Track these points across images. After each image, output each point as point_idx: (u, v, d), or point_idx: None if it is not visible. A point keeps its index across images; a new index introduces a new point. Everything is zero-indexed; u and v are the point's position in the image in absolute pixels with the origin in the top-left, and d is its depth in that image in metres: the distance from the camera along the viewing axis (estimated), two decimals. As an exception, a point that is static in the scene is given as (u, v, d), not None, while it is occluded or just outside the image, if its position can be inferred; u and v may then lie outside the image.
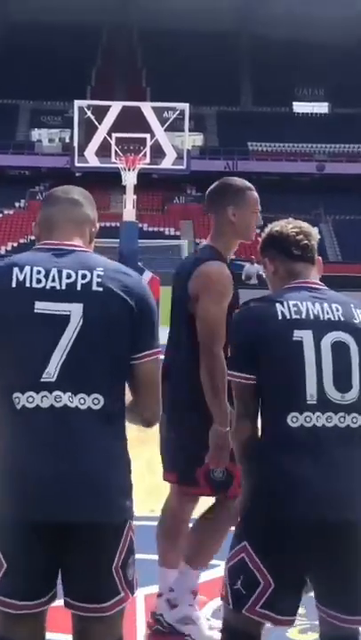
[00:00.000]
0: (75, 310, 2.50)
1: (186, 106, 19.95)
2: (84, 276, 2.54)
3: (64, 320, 2.50)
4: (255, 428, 2.86)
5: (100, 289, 2.55)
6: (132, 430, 9.46)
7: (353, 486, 2.68)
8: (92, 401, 2.56)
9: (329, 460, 2.67)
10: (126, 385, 2.75)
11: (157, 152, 19.68)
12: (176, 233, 54.65)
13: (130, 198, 19.49)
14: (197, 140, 61.81)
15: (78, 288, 2.52)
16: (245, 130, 60.20)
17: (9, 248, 52.47)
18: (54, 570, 2.62)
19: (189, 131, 22.01)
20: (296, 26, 60.97)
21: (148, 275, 18.88)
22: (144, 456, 7.62)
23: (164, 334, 13.65)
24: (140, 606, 4.48)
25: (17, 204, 57.86)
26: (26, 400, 2.50)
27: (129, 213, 19.56)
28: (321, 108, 65.02)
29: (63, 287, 2.52)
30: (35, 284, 2.50)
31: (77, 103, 20.12)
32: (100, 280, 2.55)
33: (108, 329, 2.54)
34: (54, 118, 62.41)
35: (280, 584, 2.73)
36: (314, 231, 3.04)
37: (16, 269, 2.51)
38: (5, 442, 2.56)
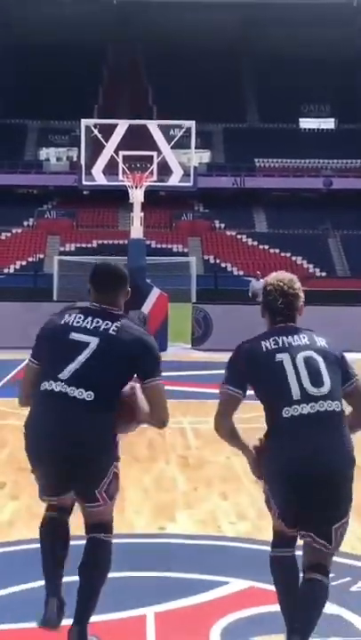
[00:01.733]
0: (93, 341, 4.04)
1: (192, 123, 19.94)
2: (106, 324, 4.10)
3: (85, 345, 4.03)
4: (231, 422, 4.10)
5: (114, 333, 4.07)
6: (142, 448, 9.41)
7: (329, 450, 3.94)
8: (86, 395, 3.98)
9: (312, 436, 3.93)
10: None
11: (164, 169, 19.68)
12: (184, 250, 54.71)
13: (137, 216, 19.49)
14: (204, 156, 61.93)
15: (101, 329, 4.07)
16: (252, 146, 60.32)
17: (17, 266, 52.57)
18: (67, 481, 4.09)
19: (196, 148, 21.99)
20: (300, 44, 61.20)
21: (156, 292, 18.87)
22: (153, 473, 7.61)
23: (173, 350, 13.50)
24: (150, 623, 4.47)
25: (25, 223, 58.03)
26: (47, 385, 4.03)
27: (136, 231, 19.56)
28: (327, 123, 65.14)
29: (91, 328, 4.08)
30: (74, 324, 4.11)
31: (84, 122, 20.12)
32: (116, 328, 4.08)
33: (113, 358, 4.03)
34: (62, 137, 62.66)
35: (281, 513, 4.04)
36: (299, 293, 4.22)
37: (66, 315, 4.16)
38: (31, 410, 4.15)
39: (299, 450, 3.92)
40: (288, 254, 54.82)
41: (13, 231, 56.61)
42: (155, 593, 4.84)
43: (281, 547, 4.11)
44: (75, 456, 3.99)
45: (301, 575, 4.07)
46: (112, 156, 19.22)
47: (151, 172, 19.26)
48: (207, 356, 17.96)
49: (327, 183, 58.71)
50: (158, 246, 52.07)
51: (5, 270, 51.83)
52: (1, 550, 5.54)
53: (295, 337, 4.10)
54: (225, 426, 4.07)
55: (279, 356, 4.02)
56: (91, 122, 20.52)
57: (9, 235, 56.33)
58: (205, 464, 7.95)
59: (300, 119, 65.19)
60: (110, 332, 4.06)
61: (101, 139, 19.47)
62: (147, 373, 4.08)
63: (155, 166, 19.21)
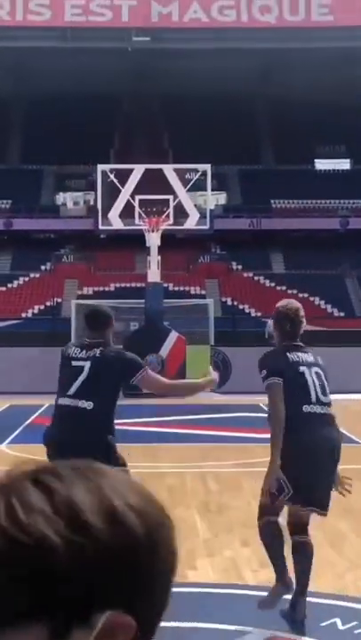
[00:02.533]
0: (87, 365, 5.48)
1: (207, 167, 20.03)
2: (94, 352, 5.53)
3: (82, 368, 5.48)
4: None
5: (100, 356, 5.50)
6: (162, 493, 9.36)
7: (330, 436, 5.32)
8: (87, 404, 5.38)
9: (319, 427, 5.28)
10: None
11: (181, 212, 19.76)
12: (202, 292, 54.76)
13: (154, 259, 19.54)
14: (220, 198, 62.18)
15: (90, 355, 5.51)
16: (268, 188, 60.59)
17: (35, 311, 52.74)
18: None
19: (212, 190, 22.12)
20: (313, 86, 61.68)
21: (174, 335, 18.84)
22: (173, 519, 7.52)
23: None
24: None
25: (43, 267, 58.32)
26: (62, 401, 5.48)
27: (154, 274, 19.60)
28: (343, 164, 65.45)
29: (84, 356, 5.54)
30: (72, 355, 5.59)
31: (100, 167, 20.24)
32: (100, 352, 5.51)
33: (102, 374, 5.44)
34: (78, 182, 63.15)
35: (294, 490, 5.17)
36: (303, 320, 5.60)
37: (69, 349, 5.67)
38: (53, 418, 5.62)
39: (312, 434, 5.23)
40: (306, 295, 54.70)
41: (31, 276, 56.89)
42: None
43: (273, 514, 5.33)
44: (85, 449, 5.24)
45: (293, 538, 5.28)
46: (128, 201, 19.31)
47: (167, 216, 19.34)
48: (226, 398, 17.87)
49: (344, 223, 58.80)
50: (176, 289, 52.13)
51: (23, 315, 52.01)
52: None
53: (306, 355, 5.47)
54: (282, 416, 5.28)
55: (301, 369, 5.36)
56: (107, 167, 20.66)
57: (27, 279, 56.61)
58: (226, 509, 7.85)
59: (316, 160, 65.52)
60: (97, 355, 5.50)
61: (117, 183, 19.58)
62: (132, 373, 5.47)
63: (171, 210, 19.28)
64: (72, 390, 5.44)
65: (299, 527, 5.27)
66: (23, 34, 56.20)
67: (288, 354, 5.39)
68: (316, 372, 5.41)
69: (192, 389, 6.05)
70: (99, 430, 5.38)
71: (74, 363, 5.53)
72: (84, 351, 5.57)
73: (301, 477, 5.14)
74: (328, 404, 5.41)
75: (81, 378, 5.44)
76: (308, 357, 5.43)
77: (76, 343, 5.81)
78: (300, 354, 5.42)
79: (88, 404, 5.38)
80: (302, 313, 5.61)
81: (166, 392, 6.03)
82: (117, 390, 5.55)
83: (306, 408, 5.27)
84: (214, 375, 5.85)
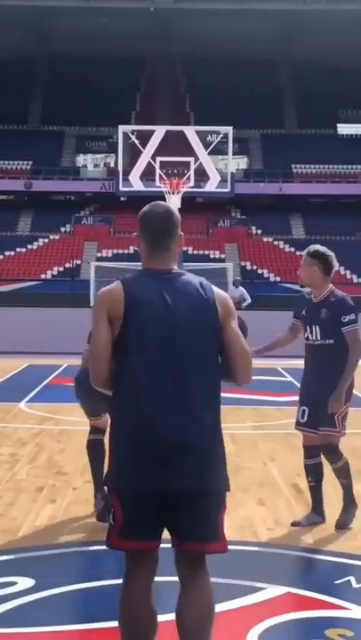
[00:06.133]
0: None
1: (229, 129, 19.93)
2: None
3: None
4: None
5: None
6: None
7: None
8: None
9: None
10: None
11: (201, 175, 19.66)
12: (221, 256, 54.70)
13: (174, 222, 19.53)
14: (241, 162, 61.88)
15: None
16: (290, 152, 60.22)
17: (55, 272, 52.85)
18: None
19: (233, 154, 21.97)
20: (337, 49, 61.03)
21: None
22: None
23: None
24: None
25: (63, 229, 58.35)
26: None
27: (173, 237, 19.59)
28: (365, 129, 64.89)
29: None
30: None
31: (122, 128, 20.18)
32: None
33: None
34: (99, 144, 62.97)
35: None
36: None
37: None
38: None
39: None
40: (325, 260, 54.56)
41: (51, 237, 56.94)
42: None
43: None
44: None
45: None
46: (149, 163, 19.27)
47: (188, 178, 19.28)
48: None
49: (365, 189, 58.42)
50: (195, 252, 52.09)
51: (42, 276, 52.15)
52: (38, 554, 5.56)
53: None
54: None
55: None
56: (128, 128, 20.60)
57: (46, 241, 56.68)
58: (242, 470, 7.92)
59: (338, 125, 64.99)
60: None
61: (139, 145, 19.54)
62: None
63: (192, 172, 19.22)
64: None
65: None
66: (45, -7, 55.79)
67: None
68: None
69: None
70: None
71: None
72: None
73: None
74: None
75: None
76: None
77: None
78: None
79: None
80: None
81: None
82: None
83: None
84: None
